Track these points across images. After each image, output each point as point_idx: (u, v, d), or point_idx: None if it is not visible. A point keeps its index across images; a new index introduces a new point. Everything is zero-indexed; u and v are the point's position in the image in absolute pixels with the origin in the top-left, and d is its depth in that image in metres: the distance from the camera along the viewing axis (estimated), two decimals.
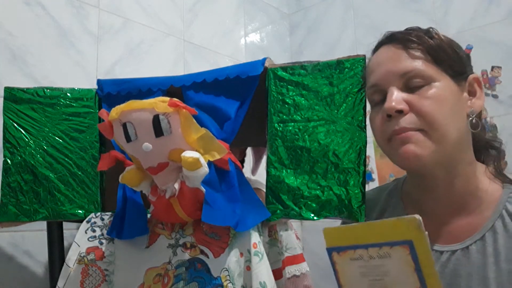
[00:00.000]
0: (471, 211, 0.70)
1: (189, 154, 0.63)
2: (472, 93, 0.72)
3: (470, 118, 0.69)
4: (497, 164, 0.73)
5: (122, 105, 0.65)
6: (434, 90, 0.67)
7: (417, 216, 0.48)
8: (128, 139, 0.64)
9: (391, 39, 0.72)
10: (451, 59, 0.70)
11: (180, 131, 0.64)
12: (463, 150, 0.71)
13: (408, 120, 0.67)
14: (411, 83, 0.68)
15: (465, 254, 0.68)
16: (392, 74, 0.69)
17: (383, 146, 0.72)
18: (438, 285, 0.48)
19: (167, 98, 0.65)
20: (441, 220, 0.72)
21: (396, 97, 0.68)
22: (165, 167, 0.65)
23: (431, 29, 0.72)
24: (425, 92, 0.67)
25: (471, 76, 0.72)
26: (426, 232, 0.48)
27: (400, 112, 0.67)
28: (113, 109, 0.66)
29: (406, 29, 0.73)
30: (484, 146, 0.75)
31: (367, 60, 0.76)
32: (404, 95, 0.68)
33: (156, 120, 0.63)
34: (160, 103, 0.64)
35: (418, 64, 0.68)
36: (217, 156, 0.66)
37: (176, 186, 0.65)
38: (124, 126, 0.64)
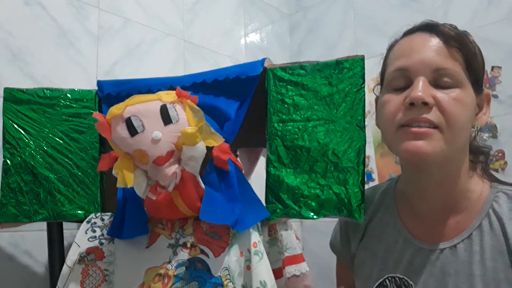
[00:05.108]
0: (460, 211, 0.71)
1: (189, 128, 0.67)
2: (480, 107, 0.73)
3: (474, 130, 0.71)
4: (485, 165, 0.75)
5: (124, 102, 0.67)
6: (461, 94, 0.68)
7: None
8: (133, 133, 0.66)
9: (431, 29, 0.71)
10: (480, 71, 0.71)
11: (186, 118, 0.68)
12: (463, 154, 0.72)
13: (431, 114, 0.67)
14: (441, 81, 0.68)
15: (453, 253, 0.69)
16: (426, 64, 0.68)
17: (389, 132, 0.71)
18: None
19: (172, 91, 0.69)
20: (431, 219, 0.73)
21: (426, 89, 0.67)
22: (172, 155, 0.67)
23: (467, 33, 0.72)
24: (452, 93, 0.67)
25: (486, 91, 0.73)
26: None
27: (425, 104, 0.67)
28: (112, 107, 0.67)
29: (445, 24, 0.72)
30: (474, 151, 0.75)
31: (395, 42, 0.75)
32: (432, 89, 0.68)
33: (164, 109, 0.67)
34: (165, 95, 0.68)
35: (454, 65, 0.68)
36: (214, 144, 0.70)
37: (178, 170, 0.67)
38: (128, 120, 0.66)
